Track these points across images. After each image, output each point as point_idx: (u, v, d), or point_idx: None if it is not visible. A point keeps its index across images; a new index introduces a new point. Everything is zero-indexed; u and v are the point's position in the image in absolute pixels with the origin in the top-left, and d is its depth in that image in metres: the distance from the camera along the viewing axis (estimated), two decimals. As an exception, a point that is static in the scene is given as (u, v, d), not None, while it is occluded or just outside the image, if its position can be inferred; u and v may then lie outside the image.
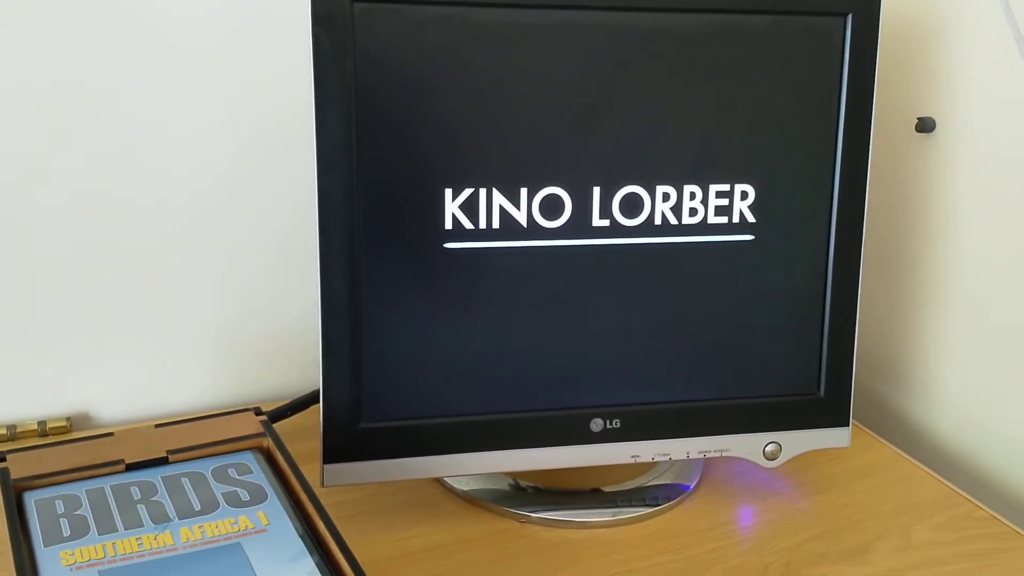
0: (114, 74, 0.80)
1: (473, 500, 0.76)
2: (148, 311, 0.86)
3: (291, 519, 0.57)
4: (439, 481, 0.78)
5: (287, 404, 0.80)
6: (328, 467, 0.68)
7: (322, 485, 0.68)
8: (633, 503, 0.76)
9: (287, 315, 0.91)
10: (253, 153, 0.86)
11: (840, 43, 0.72)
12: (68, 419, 0.84)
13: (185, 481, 0.60)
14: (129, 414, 0.88)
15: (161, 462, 0.62)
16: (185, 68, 0.82)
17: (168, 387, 0.89)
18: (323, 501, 0.73)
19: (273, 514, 0.57)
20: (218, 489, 0.59)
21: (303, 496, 0.58)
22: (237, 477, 0.61)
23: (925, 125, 0.88)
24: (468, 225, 0.68)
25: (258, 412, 0.67)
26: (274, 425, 0.80)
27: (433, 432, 0.69)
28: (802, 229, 0.74)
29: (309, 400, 0.80)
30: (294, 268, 0.90)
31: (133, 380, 0.87)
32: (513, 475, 0.79)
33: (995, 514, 0.77)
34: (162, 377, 0.88)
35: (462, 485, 0.77)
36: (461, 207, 0.68)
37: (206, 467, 0.62)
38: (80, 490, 0.59)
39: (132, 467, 0.61)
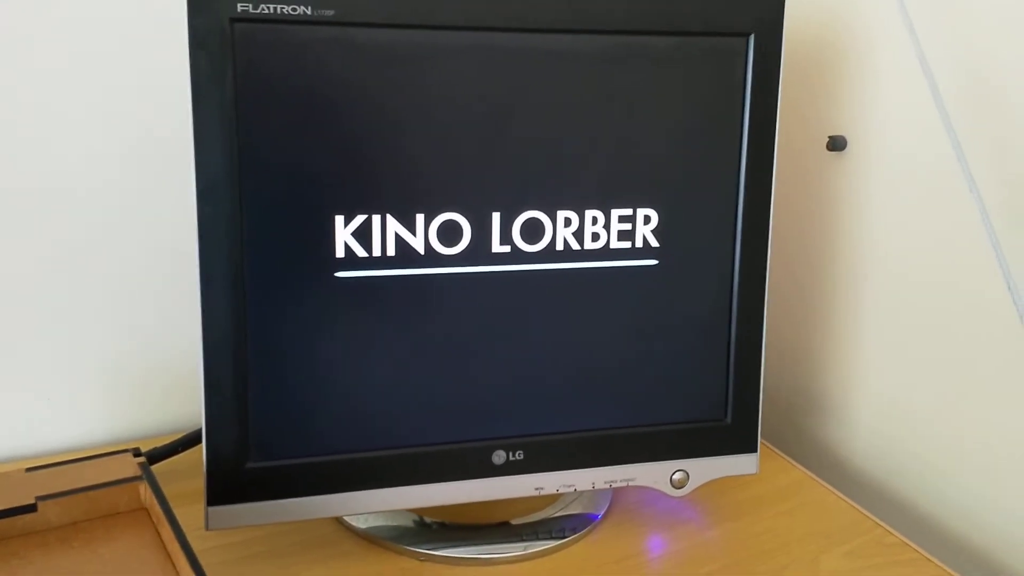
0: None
1: (372, 539, 0.73)
2: (29, 344, 0.82)
3: None
4: (337, 519, 0.75)
5: (173, 442, 0.76)
6: (212, 510, 0.64)
7: (207, 528, 0.64)
8: (539, 536, 0.74)
9: (180, 346, 0.87)
10: (143, 175, 0.83)
11: (743, 64, 0.70)
12: (-56, 459, 0.79)
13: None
14: (12, 451, 0.83)
15: (29, 509, 0.58)
16: (63, 85, 0.79)
17: (55, 422, 0.84)
18: (213, 543, 0.70)
19: None
20: None
21: (175, 547, 0.55)
22: None
23: (836, 144, 0.87)
24: (361, 253, 0.65)
25: (136, 453, 0.63)
26: (168, 462, 0.77)
27: (326, 470, 0.67)
28: (707, 253, 0.72)
29: (196, 437, 0.76)
30: (186, 296, 0.86)
31: (14, 416, 0.83)
32: (417, 510, 0.76)
33: (905, 539, 0.76)
34: (48, 412, 0.84)
35: (360, 523, 0.74)
36: (354, 234, 0.65)
37: None
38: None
39: (-3, 516, 0.57)
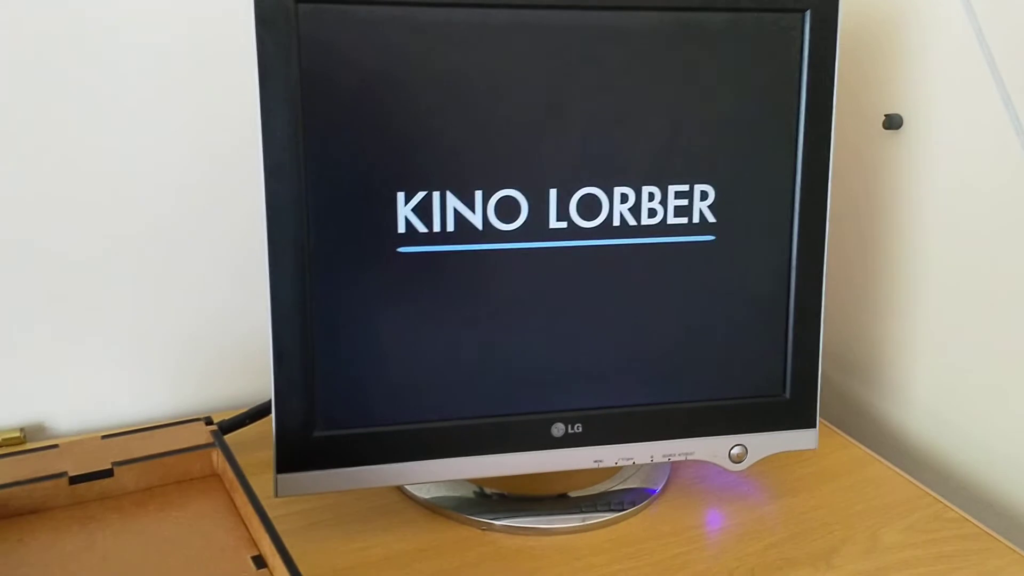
0: (86, 82, 0.79)
1: (434, 508, 0.74)
2: (106, 321, 0.85)
3: None
4: (400, 488, 0.77)
5: (244, 413, 0.79)
6: (281, 477, 0.66)
7: (275, 495, 0.66)
8: (598, 508, 0.75)
9: (250, 323, 0.90)
10: (217, 162, 0.85)
11: (799, 39, 0.70)
12: (22, 430, 0.82)
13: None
14: (86, 425, 0.86)
15: (106, 474, 0.61)
16: (152, 77, 0.81)
17: (127, 397, 0.87)
18: (281, 511, 0.72)
19: None
20: None
21: (249, 510, 0.57)
22: None
23: (892, 122, 0.87)
24: (422, 229, 0.67)
25: (208, 422, 0.66)
26: (234, 434, 0.80)
27: (389, 440, 0.68)
28: (764, 228, 0.72)
29: (267, 408, 0.78)
30: (256, 277, 0.89)
31: (89, 390, 0.86)
32: (477, 481, 0.78)
33: (965, 514, 0.76)
34: (120, 387, 0.87)
35: (423, 493, 0.76)
36: (414, 210, 0.66)
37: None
38: None
39: (76, 480, 0.60)
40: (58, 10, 0.77)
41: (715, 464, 0.75)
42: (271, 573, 0.54)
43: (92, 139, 0.81)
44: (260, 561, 0.55)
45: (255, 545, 0.57)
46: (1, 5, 0.75)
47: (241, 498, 0.59)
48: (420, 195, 0.66)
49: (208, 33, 0.82)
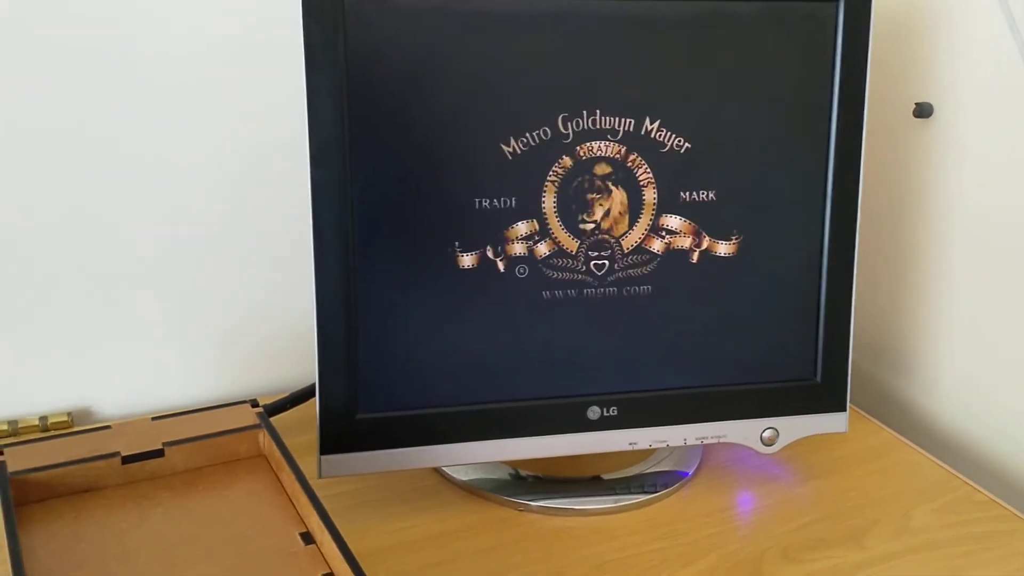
0: (124, 74, 0.81)
1: (472, 489, 0.76)
2: (151, 307, 0.87)
3: None
4: (438, 471, 0.78)
5: (286, 397, 0.80)
6: (325, 458, 0.68)
7: (319, 476, 0.68)
8: (631, 490, 0.76)
9: (293, 312, 0.92)
10: (263, 153, 0.87)
11: (833, 29, 0.71)
12: (69, 414, 0.84)
13: None
14: (131, 409, 0.88)
15: (157, 454, 0.62)
16: (202, 73, 0.83)
17: (171, 383, 0.89)
18: (323, 492, 0.74)
19: None
20: None
21: (296, 488, 0.59)
22: None
23: (923, 110, 0.88)
24: (462, 215, 0.68)
25: (254, 404, 0.67)
26: (275, 418, 0.81)
27: (430, 422, 0.70)
28: (796, 216, 0.73)
29: (308, 393, 0.80)
30: (298, 265, 0.91)
31: (135, 375, 0.88)
32: (513, 464, 0.79)
33: (994, 497, 0.77)
34: (164, 373, 0.89)
35: (461, 475, 0.77)
36: (454, 197, 0.68)
37: None
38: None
39: (128, 459, 0.62)
40: (104, 26, 0.79)
41: (747, 447, 0.76)
42: (319, 548, 0.56)
43: (140, 133, 0.82)
44: (308, 537, 0.57)
45: (303, 522, 0.59)
46: (54, 23, 0.77)
47: (288, 477, 0.61)
48: (460, 182, 0.68)
49: (253, 33, 0.84)
